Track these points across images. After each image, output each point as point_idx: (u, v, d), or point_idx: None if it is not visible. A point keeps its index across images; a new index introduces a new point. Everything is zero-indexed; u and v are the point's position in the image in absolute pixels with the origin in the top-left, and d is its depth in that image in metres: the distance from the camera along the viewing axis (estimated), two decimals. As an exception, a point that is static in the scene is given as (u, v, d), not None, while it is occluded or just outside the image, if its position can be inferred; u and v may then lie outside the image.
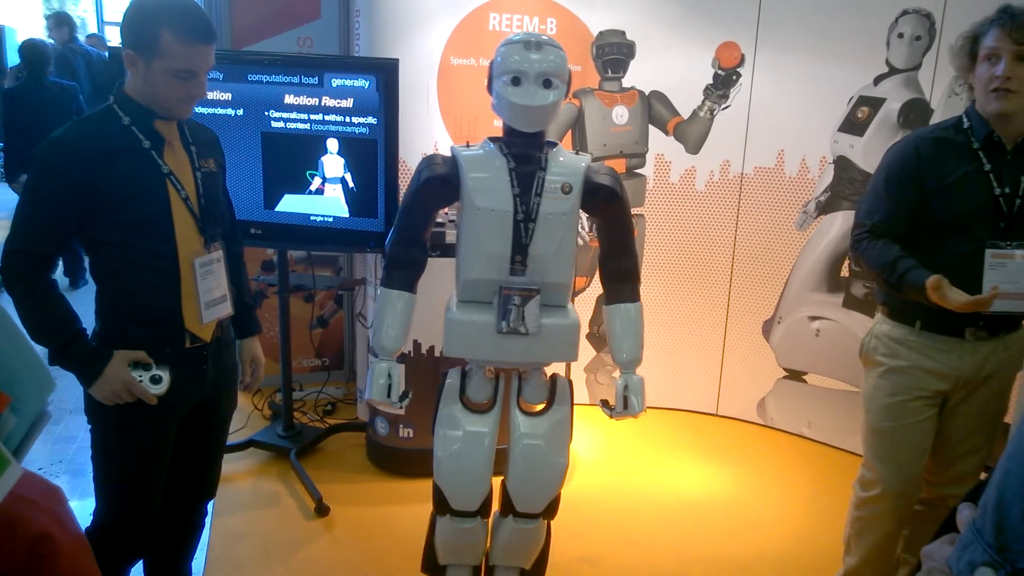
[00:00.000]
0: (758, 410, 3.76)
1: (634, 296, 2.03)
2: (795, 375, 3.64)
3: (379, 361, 1.98)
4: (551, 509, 2.03)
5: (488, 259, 1.91)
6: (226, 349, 1.98)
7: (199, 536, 2.17)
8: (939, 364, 2.04)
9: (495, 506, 2.06)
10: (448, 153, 1.95)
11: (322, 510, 2.85)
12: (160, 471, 1.87)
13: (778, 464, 3.39)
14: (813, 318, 3.54)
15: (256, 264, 3.64)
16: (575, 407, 2.05)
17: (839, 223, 3.39)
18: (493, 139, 1.94)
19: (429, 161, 1.94)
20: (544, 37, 1.86)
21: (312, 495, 2.90)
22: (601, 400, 2.05)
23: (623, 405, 2.00)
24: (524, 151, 1.88)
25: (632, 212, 3.57)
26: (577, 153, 1.96)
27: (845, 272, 3.44)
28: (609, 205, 1.95)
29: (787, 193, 3.50)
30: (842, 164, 3.36)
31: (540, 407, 2.03)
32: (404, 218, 1.99)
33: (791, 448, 3.55)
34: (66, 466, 3.17)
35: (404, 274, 1.99)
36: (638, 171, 3.62)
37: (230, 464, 3.04)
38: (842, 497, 2.33)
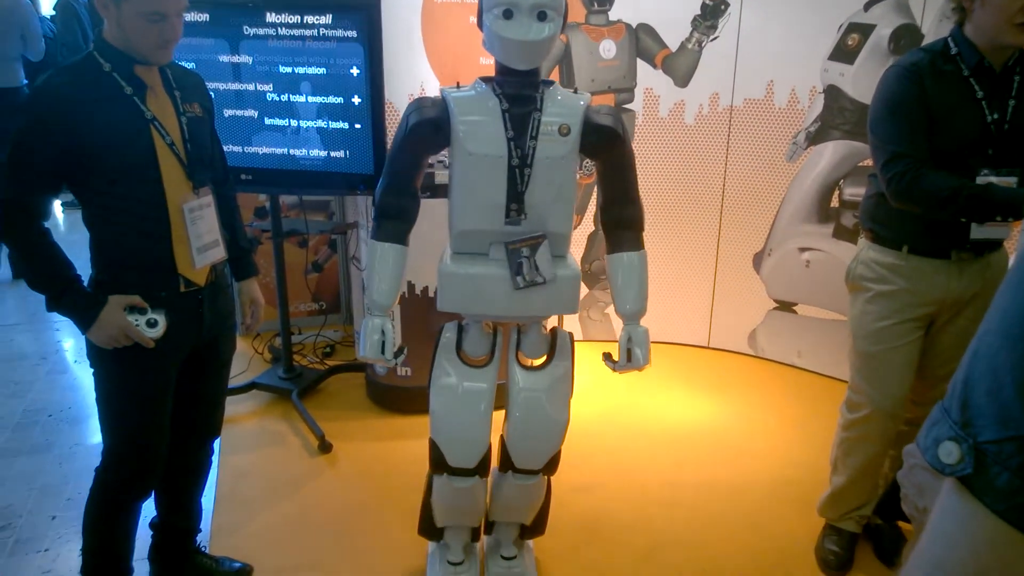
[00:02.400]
0: (749, 341, 3.82)
1: (637, 245, 1.94)
2: (785, 306, 3.69)
3: (372, 317, 1.89)
4: (551, 465, 1.99)
5: (482, 208, 1.80)
6: (222, 293, 2.00)
7: (207, 474, 2.24)
8: (927, 287, 2.07)
9: (494, 463, 2.03)
10: (438, 95, 1.83)
11: (325, 447, 2.94)
12: (162, 412, 1.92)
13: (769, 393, 3.46)
14: (803, 249, 3.57)
15: (249, 211, 3.65)
16: (580, 343, 2.03)
17: (829, 153, 3.40)
18: (485, 79, 1.81)
19: (418, 104, 1.81)
20: None
21: (315, 433, 2.98)
22: (604, 353, 1.98)
23: (627, 358, 1.92)
24: (518, 91, 1.76)
25: (622, 148, 3.61)
26: (575, 92, 1.83)
27: (835, 202, 3.45)
28: (611, 148, 1.84)
29: (777, 125, 3.49)
30: (832, 93, 3.34)
31: (540, 361, 1.97)
32: (393, 166, 1.88)
33: (782, 378, 3.62)
34: (74, 412, 3.24)
35: (395, 225, 1.89)
36: (627, 106, 3.60)
37: (234, 406, 3.11)
38: (832, 423, 2.38)
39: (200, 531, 2.29)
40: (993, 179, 1.93)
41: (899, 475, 0.78)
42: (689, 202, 3.71)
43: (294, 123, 2.89)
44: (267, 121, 2.90)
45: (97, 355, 1.84)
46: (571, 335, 2.01)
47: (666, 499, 2.70)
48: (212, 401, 2.13)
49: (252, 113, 2.90)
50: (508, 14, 1.68)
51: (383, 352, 1.88)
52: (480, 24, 1.76)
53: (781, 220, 3.59)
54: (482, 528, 2.18)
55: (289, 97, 2.87)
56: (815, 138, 3.42)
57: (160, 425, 1.92)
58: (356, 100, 2.84)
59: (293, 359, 3.41)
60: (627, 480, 2.81)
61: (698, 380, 3.58)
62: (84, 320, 1.76)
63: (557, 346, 1.98)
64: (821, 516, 2.43)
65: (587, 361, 1.99)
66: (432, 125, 1.78)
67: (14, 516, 2.55)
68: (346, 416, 3.18)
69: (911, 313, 2.10)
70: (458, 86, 1.83)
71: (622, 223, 1.94)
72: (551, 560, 2.32)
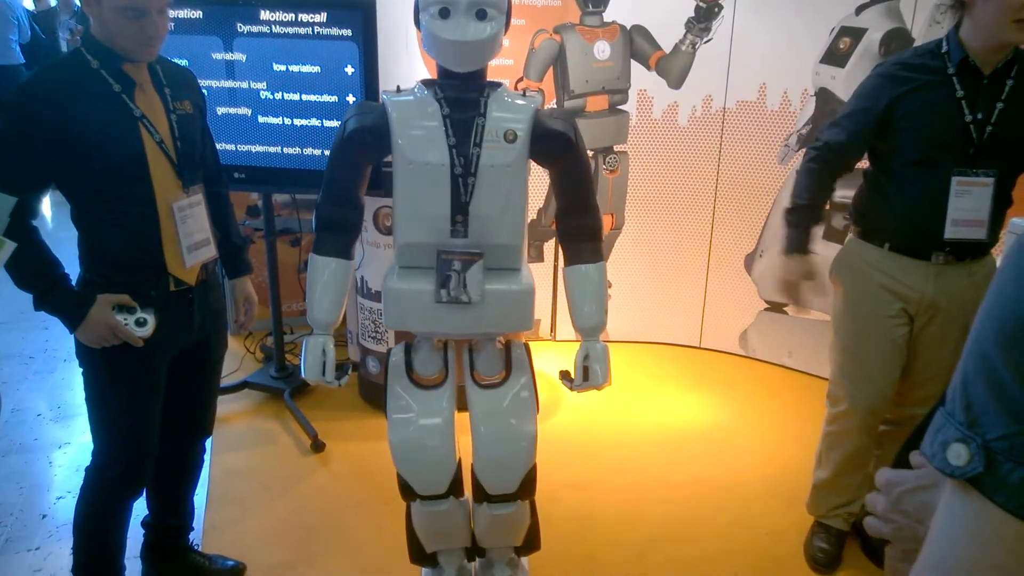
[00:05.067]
0: (740, 342, 3.84)
1: (596, 256, 1.83)
2: (776, 307, 3.71)
3: (312, 336, 1.80)
4: (526, 488, 1.86)
5: (425, 220, 1.71)
6: (213, 292, 1.99)
7: (199, 473, 2.23)
8: (902, 285, 2.09)
9: (468, 491, 1.93)
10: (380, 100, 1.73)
11: (318, 446, 2.93)
12: (151, 411, 1.90)
13: (760, 393, 3.48)
14: (794, 250, 3.58)
15: (242, 209, 3.64)
16: (564, 343, 2.00)
17: (820, 155, 3.41)
18: (427, 82, 1.72)
19: (356, 110, 1.73)
20: None
21: (307, 432, 2.98)
22: (560, 372, 1.88)
23: (583, 376, 1.82)
24: (460, 94, 1.67)
25: (615, 149, 3.63)
26: (525, 95, 1.75)
27: (826, 205, 3.46)
28: (564, 155, 1.73)
29: (769, 127, 3.51)
30: (824, 96, 3.36)
31: (498, 378, 1.87)
32: (333, 175, 1.78)
33: (773, 378, 3.64)
34: (63, 411, 3.22)
35: (337, 239, 1.79)
36: (621, 107, 3.62)
37: (225, 405, 3.10)
38: (821, 424, 2.41)
39: (193, 529, 2.28)
40: (984, 179, 1.97)
41: (869, 523, 0.75)
42: (681, 203, 3.73)
43: (288, 121, 2.89)
44: (261, 119, 2.90)
45: (86, 354, 1.82)
46: (527, 345, 1.92)
47: (658, 497, 2.71)
48: (203, 400, 2.13)
49: (246, 111, 2.90)
50: (444, 13, 1.58)
51: (324, 373, 1.79)
52: (417, 23, 1.66)
53: (773, 221, 3.61)
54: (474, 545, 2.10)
55: (283, 95, 2.86)
56: (806, 140, 3.43)
57: (150, 424, 1.91)
58: (351, 99, 2.83)
59: (285, 358, 3.40)
60: (619, 478, 2.82)
61: (689, 380, 3.60)
62: (72, 319, 1.74)
63: (513, 360, 1.87)
64: (809, 513, 2.45)
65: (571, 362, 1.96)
66: (370, 132, 1.69)
67: (4, 515, 2.54)
68: (338, 416, 3.18)
69: (887, 310, 2.12)
70: (398, 90, 1.74)
71: (579, 234, 1.83)
72: (544, 556, 2.32)
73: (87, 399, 1.88)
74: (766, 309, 3.74)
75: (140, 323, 1.76)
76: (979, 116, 1.95)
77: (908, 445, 0.78)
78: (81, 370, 1.87)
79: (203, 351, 2.02)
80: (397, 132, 1.67)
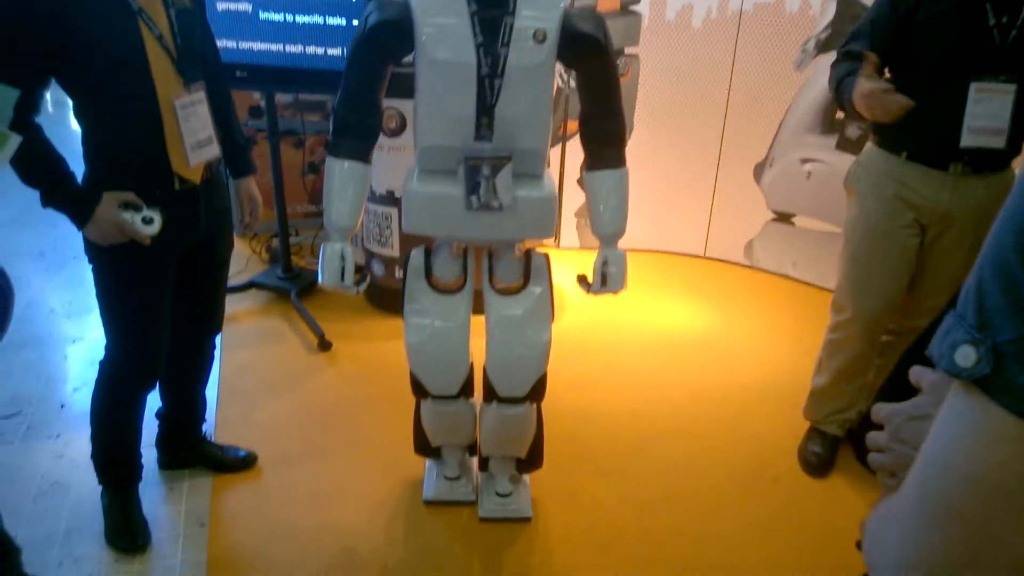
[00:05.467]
0: (745, 252, 3.84)
1: (618, 162, 1.83)
2: (784, 217, 3.70)
3: (331, 242, 1.78)
4: (537, 391, 1.90)
5: (449, 122, 1.67)
6: (217, 191, 1.99)
7: (210, 367, 2.30)
8: (918, 195, 2.08)
9: (477, 392, 1.98)
10: None
11: (324, 345, 3.00)
12: (160, 309, 1.93)
13: (762, 303, 3.52)
14: (805, 160, 3.54)
15: (243, 109, 3.59)
16: (566, 250, 2.00)
17: (837, 62, 3.32)
18: None
19: (378, 4, 1.66)
20: None
21: (314, 332, 3.04)
22: (578, 276, 1.91)
23: (602, 281, 1.86)
24: None
25: (626, 52, 3.53)
26: None
27: (840, 114, 3.40)
28: (592, 57, 1.70)
29: (787, 31, 3.39)
30: (845, 0, 3.23)
31: (516, 285, 1.89)
32: (352, 75, 1.73)
33: (776, 288, 3.67)
34: (76, 307, 3.29)
35: (355, 142, 1.77)
36: (633, 8, 3.49)
37: (233, 304, 3.15)
38: (822, 333, 2.42)
39: (205, 421, 2.37)
40: (1004, 86, 1.91)
41: (873, 458, 0.76)
42: (692, 110, 3.65)
43: (289, 18, 2.81)
44: (262, 15, 2.82)
45: (94, 252, 1.84)
46: (547, 256, 1.93)
47: (656, 397, 2.79)
48: (211, 299, 2.16)
49: (246, 7, 2.82)
50: None
51: (343, 279, 1.79)
52: None
53: (785, 130, 3.55)
54: (478, 451, 2.16)
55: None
56: (825, 46, 3.33)
57: (159, 321, 1.94)
58: (353, -5, 2.75)
59: (291, 259, 3.44)
60: (618, 379, 2.89)
61: (692, 289, 3.63)
62: (78, 216, 1.75)
63: (532, 269, 1.89)
64: (805, 418, 2.51)
65: (584, 267, 1.98)
66: (393, 29, 1.63)
67: (24, 404, 2.64)
68: (344, 317, 3.24)
69: (899, 219, 2.11)
70: None
71: (603, 138, 1.82)
72: (547, 448, 2.39)
73: (97, 296, 1.91)
74: (773, 220, 3.72)
75: (147, 221, 1.77)
76: (1004, 20, 1.88)
77: (908, 356, 0.78)
78: (91, 267, 1.89)
79: (209, 251, 2.04)
80: (421, 28, 1.62)
